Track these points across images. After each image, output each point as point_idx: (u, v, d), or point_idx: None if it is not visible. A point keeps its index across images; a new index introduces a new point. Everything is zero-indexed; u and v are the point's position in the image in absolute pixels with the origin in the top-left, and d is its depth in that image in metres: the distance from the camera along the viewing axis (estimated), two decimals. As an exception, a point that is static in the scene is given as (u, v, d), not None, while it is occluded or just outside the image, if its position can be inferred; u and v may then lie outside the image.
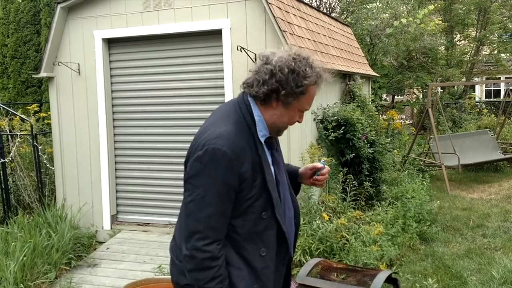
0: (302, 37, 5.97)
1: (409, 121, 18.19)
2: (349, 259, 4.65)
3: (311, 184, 2.24)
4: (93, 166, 6.23)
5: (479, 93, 25.49)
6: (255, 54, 5.22)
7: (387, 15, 12.79)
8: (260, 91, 1.87)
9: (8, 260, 4.66)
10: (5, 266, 4.57)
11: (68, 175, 6.36)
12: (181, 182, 1.92)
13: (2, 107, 7.29)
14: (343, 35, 8.72)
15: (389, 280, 3.33)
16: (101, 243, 6.01)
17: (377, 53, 13.01)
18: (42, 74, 6.21)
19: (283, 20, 5.44)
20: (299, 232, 2.22)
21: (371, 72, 9.45)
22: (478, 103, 17.89)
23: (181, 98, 5.99)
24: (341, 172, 6.12)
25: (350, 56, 8.36)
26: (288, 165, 2.33)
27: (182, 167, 1.97)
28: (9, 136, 6.79)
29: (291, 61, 1.84)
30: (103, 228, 6.23)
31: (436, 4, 14.99)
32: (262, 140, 1.92)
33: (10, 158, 6.41)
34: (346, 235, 4.91)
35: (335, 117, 6.25)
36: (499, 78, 20.77)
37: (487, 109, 15.86)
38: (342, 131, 6.18)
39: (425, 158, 9.89)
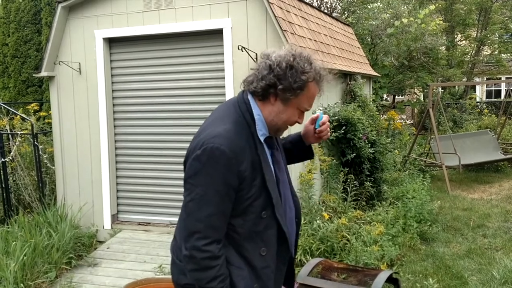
0: (303, 36, 5.96)
1: (409, 121, 18.19)
2: (350, 259, 4.65)
3: (317, 140, 2.18)
4: (94, 166, 6.23)
5: (480, 93, 25.49)
6: (256, 54, 5.22)
7: (388, 15, 12.77)
8: (258, 86, 1.87)
9: (8, 260, 4.66)
10: (5, 265, 4.57)
11: (69, 175, 6.36)
12: (182, 182, 1.92)
13: (3, 106, 7.30)
14: (344, 35, 8.71)
15: (390, 280, 3.33)
16: (101, 242, 6.00)
17: (378, 53, 13.00)
18: (43, 73, 6.21)
19: (284, 19, 5.43)
20: (299, 232, 2.20)
21: (372, 72, 9.44)
22: (478, 103, 17.89)
23: (181, 97, 5.99)
24: (342, 172, 6.12)
25: (351, 56, 8.36)
26: (289, 135, 2.31)
27: (183, 167, 1.97)
28: (10, 136, 6.79)
29: (290, 57, 1.84)
30: (103, 227, 6.23)
31: (437, 4, 14.99)
32: (262, 139, 1.91)
33: (10, 158, 6.41)
34: (347, 235, 4.91)
35: (336, 117, 6.25)
36: (500, 78, 20.77)
37: (487, 109, 15.85)
38: (343, 131, 6.18)
39: (425, 158, 9.89)
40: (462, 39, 18.54)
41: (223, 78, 5.62)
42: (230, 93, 5.51)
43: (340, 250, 4.83)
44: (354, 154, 6.39)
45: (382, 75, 12.45)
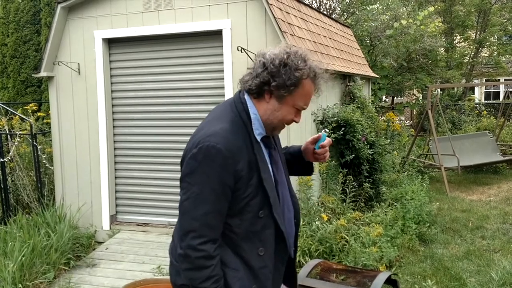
0: (303, 38, 5.97)
1: (408, 123, 18.20)
2: (349, 260, 4.65)
3: (314, 160, 2.17)
4: (93, 166, 6.23)
5: (479, 95, 25.52)
6: (255, 55, 5.21)
7: (387, 16, 12.80)
8: (252, 83, 1.87)
9: (6, 260, 4.66)
10: (3, 266, 4.56)
11: (68, 175, 6.35)
12: (181, 183, 1.91)
13: (2, 106, 7.29)
14: (343, 36, 8.72)
15: (389, 281, 3.33)
16: (100, 243, 6.00)
17: (377, 54, 13.03)
18: (42, 73, 6.20)
19: (283, 21, 5.44)
20: (299, 233, 2.19)
21: (371, 73, 9.45)
22: (477, 105, 17.91)
23: (181, 98, 5.99)
24: (340, 173, 6.12)
25: (350, 57, 8.37)
26: (292, 146, 2.30)
27: (180, 167, 1.96)
28: (9, 136, 6.78)
29: (284, 54, 1.84)
30: (102, 228, 6.23)
31: (436, 6, 15.00)
32: (258, 138, 1.91)
33: (9, 158, 6.40)
34: (346, 236, 4.91)
35: (335, 118, 6.25)
36: (499, 80, 20.80)
37: (486, 111, 15.87)
38: (342, 132, 6.19)
39: (424, 159, 9.90)
40: (461, 40, 18.58)
41: (223, 79, 5.63)
42: (230, 94, 5.51)
43: (339, 251, 4.83)
44: (353, 155, 6.40)
45: (381, 76, 12.47)
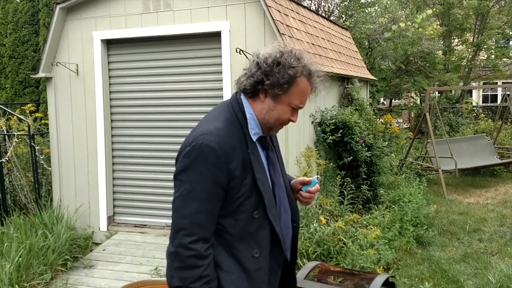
0: (301, 40, 5.97)
1: (406, 125, 18.24)
2: (346, 262, 4.65)
3: (297, 199, 2.16)
4: (90, 167, 6.22)
5: (476, 98, 25.59)
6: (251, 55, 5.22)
7: (385, 19, 12.83)
8: (247, 83, 1.88)
9: (3, 261, 4.64)
10: (0, 266, 4.55)
11: (65, 176, 6.34)
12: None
13: (0, 107, 7.28)
14: (341, 38, 8.74)
15: (386, 284, 3.33)
16: (97, 244, 5.98)
17: (375, 56, 13.05)
18: (40, 74, 6.19)
19: (282, 23, 5.45)
20: (298, 236, 2.17)
21: (369, 76, 9.47)
22: (475, 108, 17.96)
23: (179, 100, 5.99)
24: (338, 175, 6.13)
25: (349, 59, 8.38)
26: (287, 175, 2.31)
27: (175, 165, 1.96)
28: (6, 136, 6.77)
29: (278, 53, 1.85)
30: (99, 229, 6.21)
31: (434, 9, 15.05)
32: (254, 138, 1.90)
33: (7, 158, 6.39)
34: (343, 239, 4.91)
35: (333, 120, 6.26)
36: (496, 83, 20.87)
37: (484, 114, 15.92)
38: (340, 134, 6.19)
39: (422, 162, 9.92)
40: (459, 43, 18.63)
41: (221, 80, 5.63)
42: (228, 95, 5.51)
43: (337, 254, 4.83)
44: (351, 158, 6.40)
45: (379, 79, 12.49)
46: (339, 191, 5.98)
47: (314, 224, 4.97)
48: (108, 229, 6.20)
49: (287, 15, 5.90)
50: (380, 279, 3.17)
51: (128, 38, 6.01)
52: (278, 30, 5.15)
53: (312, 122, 6.23)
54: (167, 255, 1.88)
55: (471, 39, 17.88)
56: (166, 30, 5.75)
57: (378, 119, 10.35)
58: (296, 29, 6.05)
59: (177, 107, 6.00)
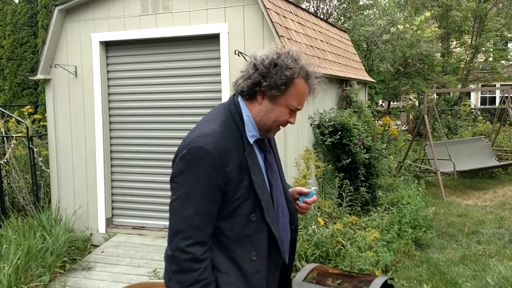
0: (300, 42, 5.98)
1: (405, 127, 18.26)
2: (345, 264, 4.65)
3: None
4: (89, 169, 6.21)
5: (475, 100, 25.64)
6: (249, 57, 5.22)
7: (384, 21, 12.86)
8: (244, 85, 1.87)
9: (1, 263, 4.63)
10: (-2, 269, 4.55)
11: (64, 178, 6.33)
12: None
13: (-2, 108, 7.27)
14: (340, 40, 8.75)
15: (385, 286, 3.33)
16: (96, 246, 5.98)
17: (374, 59, 13.07)
18: (39, 76, 6.19)
19: (280, 25, 5.46)
20: (296, 239, 2.16)
21: (368, 78, 9.48)
22: (473, 110, 17.99)
23: (178, 101, 5.99)
24: (337, 178, 6.13)
25: (347, 61, 8.39)
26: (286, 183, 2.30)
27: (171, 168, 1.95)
28: (5, 138, 6.76)
29: (274, 54, 1.84)
30: (98, 231, 6.20)
31: (433, 11, 15.09)
32: (252, 140, 1.89)
33: (5, 160, 6.38)
34: (342, 241, 4.91)
35: (332, 123, 6.27)
36: (495, 85, 20.91)
37: (482, 116, 15.94)
38: (338, 137, 6.20)
39: (420, 164, 9.93)
40: (457, 46, 18.67)
41: (220, 82, 5.64)
42: (226, 97, 5.49)
43: (335, 256, 4.83)
44: (350, 160, 6.41)
45: (378, 81, 12.51)
46: (337, 193, 5.99)
47: (313, 226, 4.97)
48: (106, 231, 6.19)
49: (285, 17, 5.91)
50: (378, 281, 3.17)
51: (127, 40, 6.01)
52: (277, 32, 5.16)
53: (311, 124, 6.23)
54: (165, 258, 1.88)
55: (470, 41, 17.93)
56: (164, 32, 5.76)
57: (376, 121, 10.36)
58: (295, 31, 6.06)
59: (175, 109, 6.00)
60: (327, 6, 14.83)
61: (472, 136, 11.76)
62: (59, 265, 5.11)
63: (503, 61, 19.33)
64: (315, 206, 5.68)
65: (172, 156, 1.91)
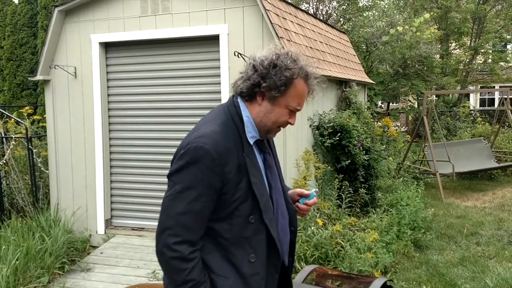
0: (299, 43, 5.99)
1: (404, 129, 18.27)
2: (344, 266, 4.65)
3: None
4: (88, 170, 6.21)
5: (474, 101, 25.66)
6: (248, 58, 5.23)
7: (383, 23, 12.87)
8: (244, 86, 1.87)
9: (0, 264, 4.63)
10: (-3, 270, 4.54)
11: (63, 179, 6.32)
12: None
13: (-3, 109, 7.27)
14: (339, 42, 8.76)
15: (384, 287, 3.33)
16: (95, 247, 5.97)
17: (373, 60, 13.08)
18: (38, 77, 6.19)
19: (280, 26, 5.46)
20: (296, 241, 2.16)
21: (367, 79, 9.49)
22: (472, 112, 18.00)
23: (177, 102, 5.99)
24: (336, 179, 6.13)
25: (346, 63, 8.40)
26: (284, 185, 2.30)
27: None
28: (4, 139, 6.75)
29: (274, 55, 1.84)
30: (97, 232, 6.20)
31: (432, 13, 15.10)
32: (251, 141, 1.89)
33: (4, 161, 6.37)
34: (341, 242, 4.91)
35: (331, 124, 6.27)
36: (494, 87, 20.93)
37: (481, 117, 15.96)
38: (337, 138, 6.20)
39: (420, 165, 9.93)
40: (456, 47, 18.69)
41: (219, 83, 5.64)
42: (226, 98, 5.47)
43: (334, 257, 4.83)
44: (349, 161, 6.41)
45: (377, 82, 12.52)
46: (337, 194, 5.99)
47: (312, 228, 4.97)
48: (105, 232, 6.19)
49: (285, 19, 5.92)
50: (378, 283, 3.17)
51: (127, 41, 6.01)
52: (276, 34, 5.16)
53: (310, 126, 6.23)
54: (156, 255, 1.88)
55: (469, 43, 17.95)
56: (164, 33, 5.76)
57: (375, 123, 10.37)
58: (294, 32, 6.06)
59: (175, 110, 6.00)
60: (327, 8, 14.85)
61: (471, 138, 11.77)
62: (58, 266, 5.11)
63: (502, 63, 19.34)
64: (315, 207, 5.67)
65: (171, 157, 1.90)
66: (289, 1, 8.85)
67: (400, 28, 11.55)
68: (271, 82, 1.82)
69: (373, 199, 6.75)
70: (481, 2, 17.23)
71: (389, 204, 6.52)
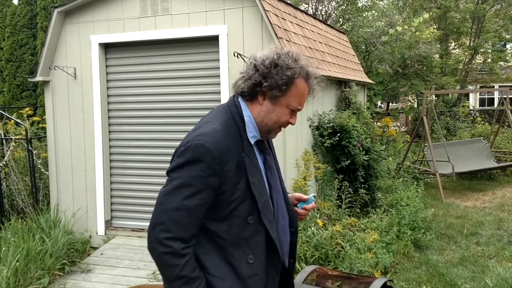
0: (299, 44, 5.99)
1: (403, 129, 18.27)
2: (344, 266, 4.65)
3: None
4: (88, 171, 6.21)
5: (473, 101, 25.66)
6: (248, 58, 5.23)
7: (382, 23, 12.87)
8: (245, 86, 1.86)
9: (0, 266, 4.63)
10: (-3, 271, 4.54)
11: (63, 180, 6.32)
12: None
13: (-3, 110, 7.27)
14: (339, 42, 8.76)
15: (384, 287, 3.33)
16: (95, 248, 5.97)
17: (373, 60, 13.09)
18: (38, 78, 6.19)
19: (279, 27, 5.46)
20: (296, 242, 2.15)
21: (367, 79, 9.50)
22: (472, 111, 18.01)
23: (177, 103, 5.99)
24: (336, 179, 6.14)
25: (346, 63, 8.40)
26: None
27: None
28: (4, 140, 6.75)
29: (275, 54, 1.84)
30: (97, 233, 6.20)
31: (431, 13, 15.11)
32: (252, 141, 1.88)
33: (4, 163, 6.37)
34: (341, 242, 4.91)
35: (331, 124, 6.27)
36: (493, 86, 20.94)
37: (481, 117, 15.97)
38: (337, 138, 6.20)
39: (419, 165, 9.93)
40: (455, 47, 18.71)
41: (219, 84, 5.64)
42: (226, 99, 5.49)
43: (335, 257, 4.83)
44: (349, 161, 6.41)
45: (377, 82, 12.53)
46: (336, 194, 5.99)
47: (312, 228, 4.97)
48: (105, 233, 6.19)
49: (284, 19, 5.92)
50: (378, 283, 3.17)
51: (126, 42, 6.01)
52: (276, 34, 5.16)
53: (310, 126, 6.24)
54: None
55: (468, 43, 17.96)
56: (164, 34, 5.76)
57: (375, 123, 10.37)
58: (294, 33, 6.07)
59: (175, 110, 6.01)
60: (326, 8, 14.85)
61: (471, 138, 11.78)
62: (58, 268, 5.11)
63: (501, 62, 19.36)
64: (315, 208, 5.68)
65: (171, 157, 1.89)
66: (288, 1, 8.86)
67: (399, 28, 11.55)
68: (272, 82, 1.82)
69: (373, 199, 6.75)
70: (480, 1, 17.25)
71: (389, 205, 6.52)
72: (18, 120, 6.97)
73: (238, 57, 5.18)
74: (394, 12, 14.71)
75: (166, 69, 6.00)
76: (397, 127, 16.11)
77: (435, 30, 13.93)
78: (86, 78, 6.14)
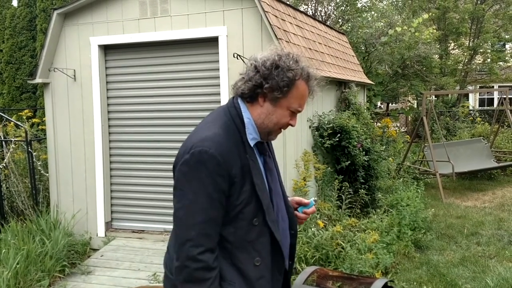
0: (298, 45, 5.99)
1: (403, 129, 18.28)
2: (345, 267, 4.65)
3: None
4: (88, 173, 6.20)
5: (473, 101, 25.67)
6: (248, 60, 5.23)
7: (382, 23, 12.88)
8: (245, 87, 1.85)
9: (1, 268, 4.62)
10: (-2, 273, 4.54)
11: (63, 182, 6.32)
12: (177, 189, 1.87)
13: (-3, 112, 7.26)
14: (338, 43, 8.76)
15: (385, 288, 3.33)
16: (95, 250, 5.97)
17: (372, 61, 13.09)
18: (38, 80, 6.19)
19: (279, 28, 5.47)
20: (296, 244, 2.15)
21: (366, 80, 9.50)
22: (471, 112, 18.02)
23: (177, 105, 5.99)
24: (336, 180, 6.13)
25: (346, 64, 8.41)
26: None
27: (172, 173, 1.92)
28: (3, 142, 6.75)
29: (276, 56, 1.83)
30: (97, 235, 6.19)
31: (430, 13, 15.13)
32: (252, 143, 1.87)
33: (4, 164, 6.37)
34: (342, 243, 4.91)
35: (331, 125, 6.27)
36: (493, 86, 20.94)
37: (480, 117, 15.97)
38: (337, 139, 6.20)
39: (419, 166, 9.93)
40: (455, 47, 18.71)
41: (218, 85, 5.64)
42: (225, 100, 5.49)
43: (335, 258, 4.83)
44: (349, 162, 6.41)
45: (376, 83, 12.53)
46: (337, 195, 5.99)
47: (312, 229, 4.97)
48: (106, 235, 6.18)
49: (284, 20, 5.92)
50: (378, 284, 3.17)
51: (126, 44, 6.01)
52: (275, 35, 5.17)
53: (310, 127, 6.24)
54: (166, 266, 1.85)
55: (467, 43, 17.97)
56: (163, 35, 5.76)
57: (375, 123, 10.37)
58: (293, 34, 6.07)
59: (174, 112, 6.01)
60: (325, 9, 14.86)
61: (471, 138, 11.78)
62: (59, 269, 5.10)
63: (500, 63, 19.36)
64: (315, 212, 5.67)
65: (172, 158, 1.88)
66: (288, 2, 8.86)
67: (398, 29, 11.55)
68: (273, 83, 1.81)
69: (373, 199, 6.75)
70: (479, 2, 17.26)
71: (389, 205, 6.52)
72: (18, 122, 6.97)
73: (237, 58, 5.18)
74: (394, 12, 14.73)
75: (166, 71, 6.00)
76: (397, 128, 16.11)
77: (435, 31, 13.94)
78: (85, 80, 6.14)
